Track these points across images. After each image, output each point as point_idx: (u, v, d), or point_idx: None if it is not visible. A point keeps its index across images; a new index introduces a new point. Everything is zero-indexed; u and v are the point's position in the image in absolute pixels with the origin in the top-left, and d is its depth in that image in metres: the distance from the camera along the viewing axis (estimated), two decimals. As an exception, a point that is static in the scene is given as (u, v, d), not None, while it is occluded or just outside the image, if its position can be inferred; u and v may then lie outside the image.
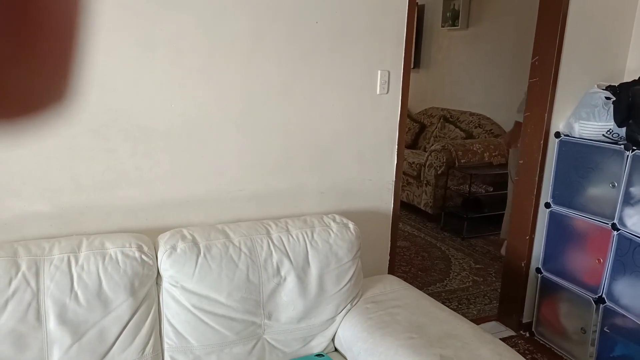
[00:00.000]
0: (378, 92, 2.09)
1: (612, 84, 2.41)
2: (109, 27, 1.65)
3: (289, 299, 1.74)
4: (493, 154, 4.42)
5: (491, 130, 4.72)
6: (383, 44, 2.07)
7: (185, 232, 1.68)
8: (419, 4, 5.61)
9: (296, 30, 1.91)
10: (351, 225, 1.91)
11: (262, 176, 2.00)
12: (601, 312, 2.33)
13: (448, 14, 5.22)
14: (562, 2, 2.35)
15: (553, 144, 2.52)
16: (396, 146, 2.19)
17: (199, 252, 1.62)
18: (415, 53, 5.71)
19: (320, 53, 1.97)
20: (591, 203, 2.40)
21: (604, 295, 2.30)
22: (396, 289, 1.98)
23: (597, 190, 2.38)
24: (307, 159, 2.06)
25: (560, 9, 2.36)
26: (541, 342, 2.65)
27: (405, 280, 3.32)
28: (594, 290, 2.36)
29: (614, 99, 2.33)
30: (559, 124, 2.52)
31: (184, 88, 1.79)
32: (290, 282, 1.75)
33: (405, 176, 4.69)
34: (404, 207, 4.75)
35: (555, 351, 2.57)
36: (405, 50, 2.10)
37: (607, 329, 2.33)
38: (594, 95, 2.40)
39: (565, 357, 2.51)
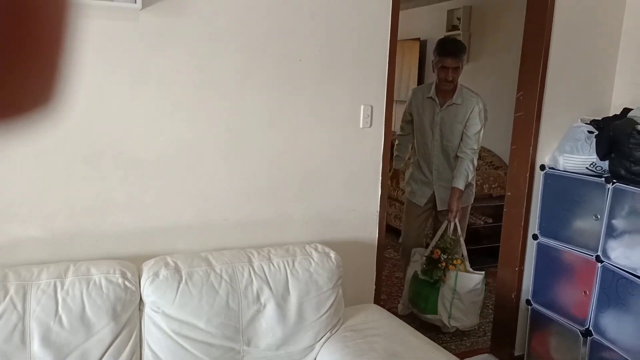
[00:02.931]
0: (361, 126, 2.18)
1: (596, 119, 2.47)
2: (103, 59, 1.77)
3: (268, 325, 1.79)
4: (493, 186, 4.45)
5: (491, 162, 4.76)
6: (366, 79, 2.16)
7: (169, 259, 1.75)
8: (421, 39, 5.76)
9: (283, 66, 2.02)
10: (332, 254, 1.97)
11: (249, 205, 2.07)
12: (589, 345, 2.32)
13: (449, 49, 5.34)
14: (543, 39, 2.44)
15: (539, 177, 2.56)
16: (380, 177, 2.26)
17: (181, 279, 1.69)
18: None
19: (306, 88, 2.07)
20: (577, 235, 2.42)
21: (590, 328, 2.30)
22: (377, 318, 2.02)
23: (581, 223, 2.41)
24: (293, 189, 2.14)
25: (542, 46, 2.45)
26: (532, 375, 2.63)
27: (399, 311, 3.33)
28: (581, 322, 2.36)
29: (597, 132, 2.38)
30: (544, 157, 2.57)
31: (174, 119, 1.90)
32: (270, 309, 1.80)
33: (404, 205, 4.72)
34: (405, 238, 4.77)
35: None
36: (387, 85, 2.19)
37: (596, 362, 2.32)
38: (577, 129, 2.46)
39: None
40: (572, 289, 2.45)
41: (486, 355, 2.83)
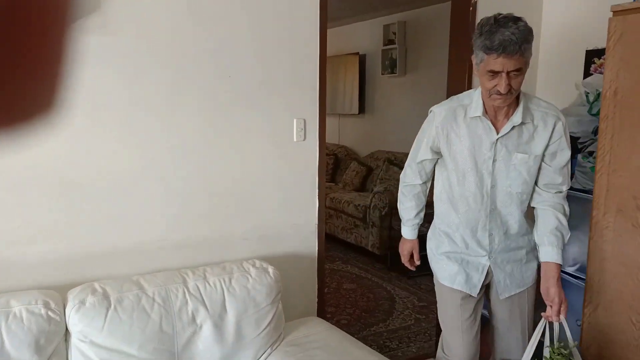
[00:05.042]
0: (295, 140, 2.19)
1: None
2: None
3: (205, 347, 1.75)
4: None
5: (432, 170, 4.89)
6: (298, 94, 2.18)
7: (96, 285, 1.69)
8: (360, 53, 5.88)
9: (214, 84, 2.01)
10: (271, 269, 1.95)
11: (186, 226, 2.03)
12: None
13: (387, 62, 5.48)
14: (467, 49, 2.54)
15: (471, 182, 2.65)
16: (317, 190, 2.27)
17: (109, 305, 1.63)
18: (360, 100, 5.93)
19: (239, 104, 2.07)
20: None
21: (526, 325, 2.36)
22: (318, 331, 2.01)
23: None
24: (230, 207, 2.12)
25: (466, 56, 2.55)
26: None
27: (348, 322, 3.35)
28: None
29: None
30: (475, 162, 2.66)
31: (103, 140, 1.84)
32: (207, 330, 1.76)
33: (353, 218, 4.78)
34: (353, 250, 4.81)
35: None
36: (319, 98, 2.21)
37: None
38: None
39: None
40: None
41: (432, 359, 2.87)
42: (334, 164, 5.97)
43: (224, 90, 2.03)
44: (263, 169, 2.16)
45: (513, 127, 1.66)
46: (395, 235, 4.48)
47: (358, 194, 5.18)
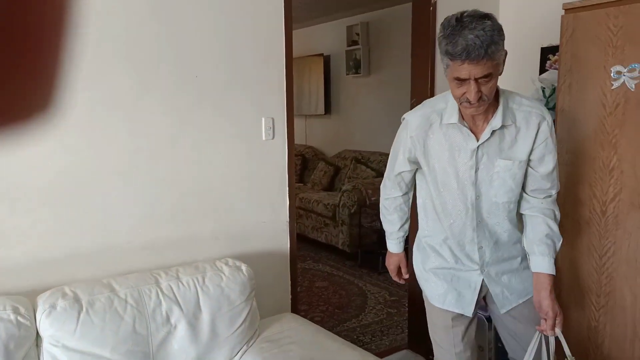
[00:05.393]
0: (264, 138, 2.21)
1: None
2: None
3: (180, 346, 1.75)
4: (401, 190, 4.65)
5: (399, 167, 4.99)
6: (265, 93, 2.20)
7: (66, 289, 1.66)
8: (324, 54, 5.94)
9: (180, 84, 2.00)
10: (244, 267, 1.96)
11: (154, 227, 2.02)
12: (494, 329, 2.49)
13: (351, 63, 5.56)
14: (429, 48, 2.62)
15: (437, 176, 2.73)
16: (287, 188, 2.30)
17: (81, 309, 1.61)
18: (326, 100, 5.99)
19: (206, 104, 2.07)
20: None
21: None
22: (293, 326, 2.04)
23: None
24: (200, 206, 2.11)
25: (428, 55, 2.63)
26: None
27: (322, 318, 3.38)
28: (485, 309, 2.53)
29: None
30: (440, 157, 2.74)
31: (65, 143, 1.81)
32: (181, 330, 1.76)
33: (322, 217, 4.82)
34: (323, 249, 4.84)
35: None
36: (287, 97, 2.24)
37: (500, 344, 2.48)
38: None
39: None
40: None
41: (405, 351, 2.93)
42: (302, 165, 6.00)
43: (191, 90, 2.03)
44: (232, 168, 2.17)
45: (493, 132, 1.50)
46: (364, 232, 4.55)
47: (327, 193, 5.23)
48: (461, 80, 1.39)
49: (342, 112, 5.89)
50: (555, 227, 1.60)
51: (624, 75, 1.68)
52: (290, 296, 2.37)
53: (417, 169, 1.71)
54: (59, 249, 1.84)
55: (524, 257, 1.67)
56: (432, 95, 2.67)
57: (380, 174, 5.01)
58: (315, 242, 4.94)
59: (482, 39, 1.31)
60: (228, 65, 2.10)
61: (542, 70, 2.60)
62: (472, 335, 1.74)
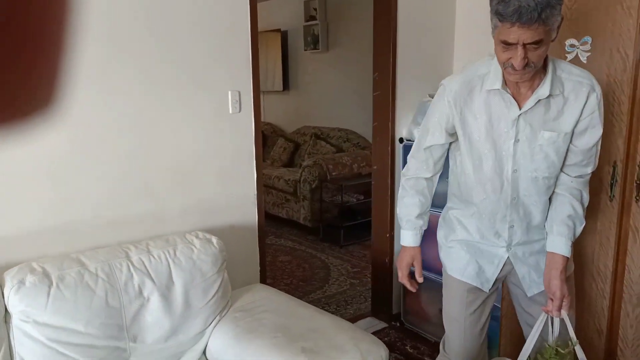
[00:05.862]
0: (231, 112, 2.20)
1: (441, 93, 2.76)
2: None
3: (154, 318, 1.75)
4: (361, 165, 4.74)
5: (358, 143, 5.06)
6: (231, 67, 2.18)
7: (34, 265, 1.63)
8: (282, 29, 5.88)
9: (144, 58, 1.96)
10: (214, 239, 1.97)
11: (122, 202, 1.99)
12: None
13: (309, 38, 5.54)
14: (390, 25, 2.66)
15: (399, 149, 2.81)
16: (254, 161, 2.31)
17: (51, 284, 1.58)
18: (284, 76, 5.96)
19: (172, 77, 2.04)
20: (435, 198, 2.70)
21: (453, 278, 2.57)
22: (264, 296, 2.08)
23: (438, 186, 2.69)
24: (168, 181, 2.10)
25: (390, 31, 2.67)
26: (410, 329, 2.89)
27: (286, 291, 3.43)
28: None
29: (443, 105, 2.66)
30: (402, 130, 2.82)
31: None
32: (154, 302, 1.76)
33: (283, 193, 4.85)
34: (285, 224, 4.89)
35: (423, 335, 2.82)
36: (252, 70, 2.23)
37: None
38: (426, 103, 2.73)
39: (429, 339, 2.77)
40: (436, 247, 2.73)
41: (369, 318, 3.04)
42: (261, 141, 5.98)
43: (157, 62, 2.00)
44: (199, 142, 2.15)
45: (539, 101, 1.39)
46: (326, 207, 4.62)
47: (287, 169, 5.25)
48: (508, 44, 1.28)
49: (301, 88, 5.88)
50: (580, 210, 1.50)
51: (577, 48, 1.79)
52: (259, 268, 2.41)
53: (450, 144, 1.57)
54: (24, 226, 1.79)
55: None
56: (394, 69, 2.72)
57: (340, 149, 5.07)
58: (276, 217, 4.97)
59: (538, 1, 1.19)
60: (194, 39, 2.07)
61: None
62: (485, 314, 1.66)
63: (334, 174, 4.55)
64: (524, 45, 1.26)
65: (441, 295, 1.74)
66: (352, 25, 5.12)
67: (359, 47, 5.04)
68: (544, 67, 1.39)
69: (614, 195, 1.81)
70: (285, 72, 5.96)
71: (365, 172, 4.69)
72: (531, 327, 1.57)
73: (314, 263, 4.01)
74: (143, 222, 2.05)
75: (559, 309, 1.48)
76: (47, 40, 0.26)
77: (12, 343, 1.54)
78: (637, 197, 1.78)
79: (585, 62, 1.79)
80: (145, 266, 1.78)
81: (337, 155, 4.78)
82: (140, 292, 1.74)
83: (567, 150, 1.46)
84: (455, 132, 1.52)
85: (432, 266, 2.71)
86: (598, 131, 1.44)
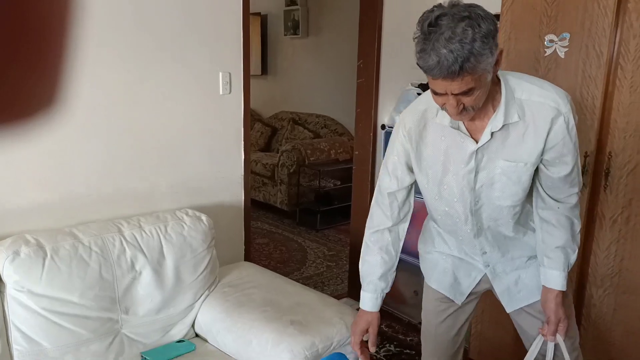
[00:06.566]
0: (221, 93, 2.24)
1: (422, 82, 2.86)
2: None
3: (145, 292, 1.79)
4: (338, 151, 4.82)
5: (335, 129, 5.14)
6: (223, 48, 2.21)
7: (28, 237, 1.64)
8: (262, 13, 5.87)
9: (137, 36, 1.97)
10: (204, 217, 2.02)
11: (112, 179, 2.01)
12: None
13: (289, 24, 5.55)
14: (377, 16, 2.73)
15: (381, 135, 2.89)
16: (242, 142, 2.35)
17: (46, 255, 1.60)
18: (262, 61, 5.95)
19: (163, 57, 2.05)
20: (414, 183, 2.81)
21: (429, 260, 2.69)
22: (251, 272, 2.14)
23: (417, 172, 2.80)
24: (158, 159, 2.12)
25: (376, 19, 2.74)
26: (385, 309, 3.00)
27: (265, 273, 3.50)
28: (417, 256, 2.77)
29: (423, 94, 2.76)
30: (384, 117, 2.90)
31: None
32: (146, 276, 1.80)
33: (260, 177, 4.89)
34: (261, 207, 4.93)
35: (398, 315, 2.94)
36: (244, 52, 2.27)
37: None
38: (408, 91, 2.82)
39: (403, 319, 2.90)
40: (416, 232, 2.84)
41: (345, 299, 3.14)
42: (250, 124, 5.98)
43: (148, 42, 2.01)
44: (190, 122, 2.18)
45: (496, 132, 1.24)
46: (303, 191, 4.68)
47: (264, 154, 5.28)
48: (439, 96, 1.16)
49: (279, 73, 5.90)
50: (570, 238, 1.37)
51: (556, 43, 1.90)
52: (244, 247, 2.46)
53: (412, 185, 1.43)
54: (16, 200, 1.79)
55: (532, 256, 1.46)
56: (378, 58, 2.80)
57: (317, 135, 5.14)
58: (253, 201, 4.99)
59: (458, 53, 1.05)
60: (185, 18, 2.09)
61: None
62: (457, 325, 1.58)
63: (312, 159, 4.62)
64: (451, 95, 1.13)
65: (415, 278, 1.68)
66: (333, 12, 5.16)
67: (339, 34, 5.09)
68: (499, 89, 1.23)
69: (584, 184, 1.94)
70: (264, 57, 5.96)
71: (343, 159, 4.77)
72: (523, 331, 1.52)
73: (291, 246, 4.08)
74: (133, 198, 2.07)
75: (554, 333, 1.40)
76: (49, 42, 0.26)
77: (7, 312, 1.56)
78: (605, 186, 1.91)
79: (563, 57, 1.90)
80: (137, 241, 1.81)
81: (315, 141, 4.85)
82: (133, 265, 1.78)
83: (540, 173, 1.32)
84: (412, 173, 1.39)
85: (409, 250, 2.82)
86: (571, 160, 1.28)
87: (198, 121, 2.20)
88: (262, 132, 5.61)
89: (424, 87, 2.82)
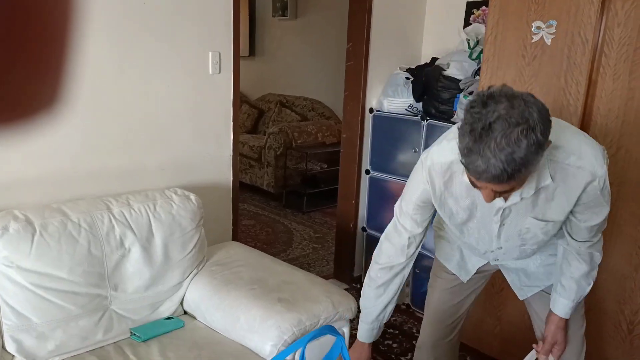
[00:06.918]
0: (210, 72, 2.23)
1: (411, 67, 2.88)
2: None
3: (134, 269, 1.81)
4: (326, 134, 4.83)
5: (323, 112, 5.14)
6: (212, 27, 2.20)
7: (17, 212, 1.64)
8: (250, -6, 5.80)
9: (126, 12, 1.95)
10: (192, 196, 2.03)
11: (101, 156, 2.00)
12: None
13: (278, 5, 5.50)
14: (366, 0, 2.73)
15: (369, 119, 2.92)
16: (231, 122, 2.35)
17: (34, 231, 1.61)
18: (250, 42, 5.90)
19: (153, 34, 2.04)
20: (400, 167, 2.85)
21: (413, 242, 2.74)
22: (239, 252, 2.16)
23: (404, 156, 2.83)
24: (147, 138, 2.12)
25: (366, 5, 2.74)
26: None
27: (251, 254, 3.53)
28: (406, 239, 2.81)
29: (412, 79, 2.79)
30: (372, 101, 2.93)
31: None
32: (135, 253, 1.81)
33: (247, 159, 4.88)
34: (248, 189, 4.94)
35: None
36: (233, 32, 2.26)
37: (417, 270, 2.80)
38: (397, 75, 2.84)
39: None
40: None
41: (331, 280, 3.18)
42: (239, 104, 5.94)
43: (137, 21, 1.99)
44: (179, 101, 2.18)
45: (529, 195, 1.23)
46: (289, 174, 4.70)
47: (251, 135, 5.27)
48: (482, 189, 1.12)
49: (267, 54, 5.86)
50: (588, 271, 1.38)
51: (543, 30, 1.93)
52: (232, 227, 2.48)
53: (428, 225, 1.43)
54: (2, 175, 1.78)
55: (553, 254, 1.48)
56: (367, 41, 2.80)
57: (305, 118, 5.14)
58: (240, 183, 5.00)
59: (507, 165, 0.99)
60: (175, -6, 2.07)
61: (467, 23, 2.82)
62: (464, 293, 1.63)
63: (299, 141, 4.62)
64: (495, 192, 1.11)
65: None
66: (322, -6, 5.12)
67: (327, 17, 5.07)
68: None
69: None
70: (252, 38, 5.91)
71: (330, 142, 4.79)
72: (538, 317, 1.55)
73: (277, 228, 4.11)
74: (121, 176, 2.07)
75: (547, 353, 1.44)
76: (52, 41, 0.25)
77: (-4, 287, 1.56)
78: (586, 170, 1.97)
79: (549, 43, 1.94)
80: (126, 218, 1.82)
81: (303, 124, 4.85)
82: (122, 242, 1.79)
83: (568, 223, 1.33)
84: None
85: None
86: (601, 212, 1.28)
87: (187, 101, 2.20)
88: (249, 114, 5.59)
89: (412, 70, 2.85)
